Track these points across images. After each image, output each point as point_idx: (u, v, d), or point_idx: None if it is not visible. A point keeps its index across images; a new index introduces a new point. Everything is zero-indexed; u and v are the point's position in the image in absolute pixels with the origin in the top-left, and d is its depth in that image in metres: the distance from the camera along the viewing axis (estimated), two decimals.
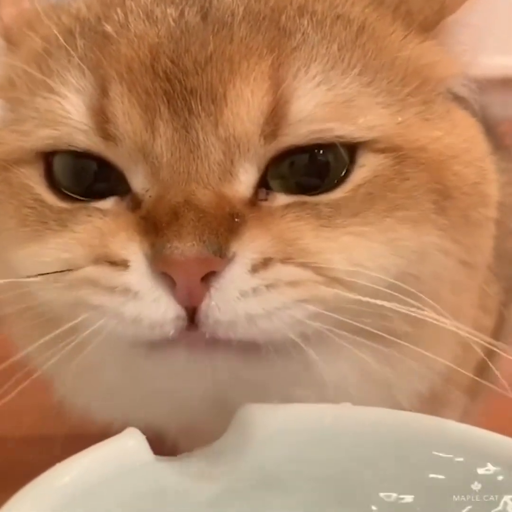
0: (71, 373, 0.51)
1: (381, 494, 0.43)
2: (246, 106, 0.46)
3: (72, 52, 0.49)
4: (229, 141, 0.46)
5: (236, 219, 0.45)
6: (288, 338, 0.46)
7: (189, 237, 0.43)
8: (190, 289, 0.44)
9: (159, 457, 0.42)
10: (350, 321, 0.46)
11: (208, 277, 0.44)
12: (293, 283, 0.45)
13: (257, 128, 0.46)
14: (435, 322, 0.48)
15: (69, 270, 0.47)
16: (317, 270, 0.46)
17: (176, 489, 0.41)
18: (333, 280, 0.46)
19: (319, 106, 0.46)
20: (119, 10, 0.50)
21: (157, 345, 0.46)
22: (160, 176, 0.46)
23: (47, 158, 0.50)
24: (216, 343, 0.46)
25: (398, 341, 0.49)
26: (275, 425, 0.44)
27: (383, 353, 0.50)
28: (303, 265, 0.45)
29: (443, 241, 0.50)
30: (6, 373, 0.50)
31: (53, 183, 0.50)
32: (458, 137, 0.51)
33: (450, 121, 0.51)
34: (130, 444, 0.42)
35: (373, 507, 0.43)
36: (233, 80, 0.46)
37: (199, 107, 0.46)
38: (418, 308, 0.47)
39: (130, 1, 0.51)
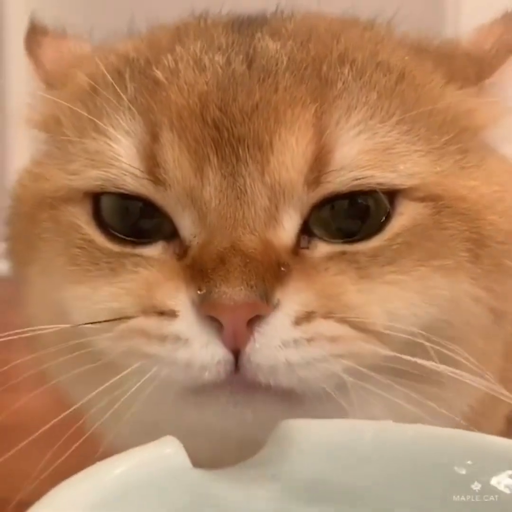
0: (107, 409, 0.51)
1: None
2: (290, 154, 0.48)
3: (121, 94, 0.51)
4: (275, 188, 0.48)
5: (282, 268, 0.47)
6: (323, 389, 0.47)
7: (236, 282, 0.45)
8: (236, 332, 0.45)
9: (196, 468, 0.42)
10: (383, 375, 0.47)
11: (253, 321, 0.45)
12: (332, 339, 0.46)
13: (301, 176, 0.48)
14: (459, 377, 0.48)
15: (119, 319, 0.48)
16: (355, 324, 0.47)
17: (213, 497, 0.41)
18: (370, 334, 0.47)
19: (360, 154, 0.48)
20: (169, 57, 0.52)
21: (203, 390, 0.47)
22: (207, 221, 0.48)
23: (95, 198, 0.51)
24: (256, 388, 0.47)
25: (429, 385, 0.49)
26: (314, 439, 0.43)
27: (414, 395, 0.49)
28: (343, 320, 0.47)
29: (475, 288, 0.51)
30: None
31: (101, 223, 0.51)
32: (493, 186, 0.52)
33: (486, 170, 0.53)
34: (168, 451, 0.41)
35: None
36: (278, 129, 0.48)
37: (247, 155, 0.48)
38: (449, 355, 0.48)
39: (179, 48, 0.53)
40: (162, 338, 0.46)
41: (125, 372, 0.47)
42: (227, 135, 0.48)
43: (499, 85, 0.55)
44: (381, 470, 0.43)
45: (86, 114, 0.52)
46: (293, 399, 0.47)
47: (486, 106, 0.54)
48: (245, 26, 0.55)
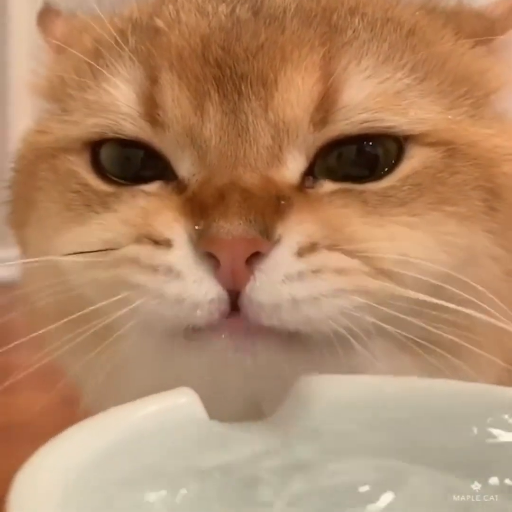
0: (102, 375, 0.49)
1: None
2: (296, 92, 0.46)
3: (123, 46, 0.50)
4: (278, 126, 0.46)
5: (282, 202, 0.45)
6: (333, 330, 0.44)
7: (235, 217, 0.43)
8: (234, 270, 0.43)
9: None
10: (395, 320, 0.45)
11: (252, 260, 0.43)
12: (339, 271, 0.44)
13: (307, 114, 0.46)
14: (490, 320, 0.46)
15: (111, 249, 0.46)
16: (364, 259, 0.45)
17: (233, 445, 0.38)
18: (380, 272, 0.45)
19: (370, 97, 0.47)
20: (171, 7, 0.52)
21: (196, 334, 0.45)
22: (207, 160, 0.46)
23: (94, 149, 0.50)
24: (258, 332, 0.44)
25: (443, 352, 0.47)
26: (334, 394, 0.41)
27: (425, 362, 0.48)
28: (350, 253, 0.45)
29: (492, 245, 0.49)
30: None
31: (99, 171, 0.50)
32: (508, 141, 0.51)
33: (500, 125, 0.52)
34: (183, 401, 0.39)
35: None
36: (284, 67, 0.47)
37: (250, 91, 0.46)
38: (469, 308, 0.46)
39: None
40: (153, 269, 0.44)
41: (108, 301, 0.44)
42: (230, 73, 0.47)
43: (510, 47, 0.54)
44: (404, 427, 0.41)
45: (88, 70, 0.51)
46: (299, 344, 0.45)
47: (498, 67, 0.53)
48: None
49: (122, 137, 0.48)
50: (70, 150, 0.51)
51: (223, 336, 0.44)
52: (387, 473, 0.38)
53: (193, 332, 0.45)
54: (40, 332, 0.50)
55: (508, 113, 0.54)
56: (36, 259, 0.49)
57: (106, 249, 0.46)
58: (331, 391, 0.41)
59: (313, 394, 0.41)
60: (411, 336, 0.46)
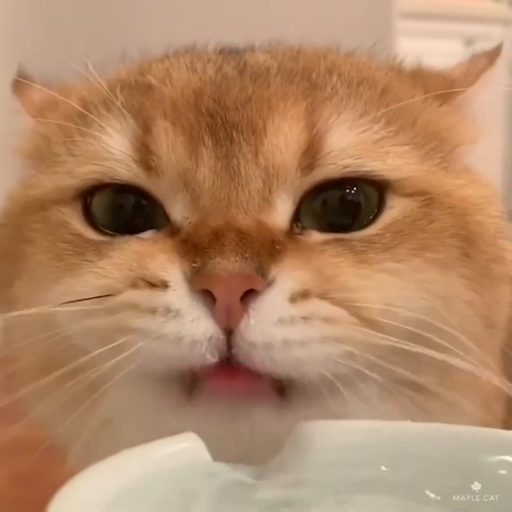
0: (89, 431, 0.49)
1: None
2: (284, 138, 0.49)
3: (113, 102, 0.52)
4: (268, 170, 0.48)
5: (276, 246, 0.46)
6: (322, 376, 0.45)
7: (232, 254, 0.44)
8: (229, 307, 0.44)
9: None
10: (378, 367, 0.46)
11: (246, 298, 0.44)
12: (328, 319, 0.45)
13: (295, 159, 0.49)
14: (465, 367, 0.48)
15: (107, 295, 0.47)
16: (352, 309, 0.46)
17: (234, 489, 0.39)
18: (367, 321, 0.47)
19: (351, 145, 0.50)
20: (160, 65, 0.54)
21: (191, 393, 0.46)
22: (200, 203, 0.48)
23: (85, 198, 0.51)
24: (252, 392, 0.45)
25: (429, 389, 0.49)
26: (332, 438, 0.42)
27: (414, 403, 0.50)
28: (339, 302, 0.46)
29: (467, 290, 0.51)
30: None
31: (91, 221, 0.50)
32: (478, 191, 0.54)
33: (469, 175, 0.55)
34: (187, 445, 0.39)
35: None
36: (272, 116, 0.49)
37: (241, 137, 0.48)
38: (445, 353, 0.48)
39: (170, 59, 0.55)
40: (152, 311, 0.44)
41: (106, 347, 0.45)
42: (221, 121, 0.49)
43: (473, 104, 0.58)
44: (401, 468, 0.42)
45: (75, 127, 0.52)
46: (292, 399, 0.46)
47: (462, 124, 0.56)
48: (234, 51, 0.58)
49: (118, 182, 0.50)
50: (61, 201, 0.51)
51: (219, 399, 0.45)
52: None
53: (189, 391, 0.46)
54: (23, 391, 0.50)
55: (473, 165, 0.57)
56: (32, 310, 0.48)
57: (103, 296, 0.46)
58: (328, 435, 0.42)
59: (312, 438, 0.42)
60: (394, 381, 0.48)
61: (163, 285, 0.45)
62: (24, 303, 0.52)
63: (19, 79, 0.63)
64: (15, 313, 0.49)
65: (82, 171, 0.50)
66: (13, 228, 0.54)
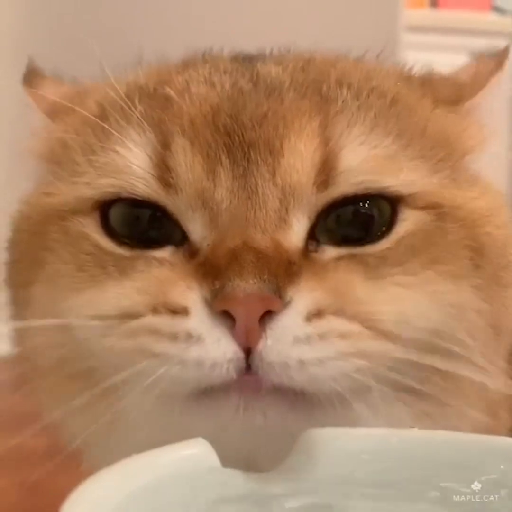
0: (102, 433, 0.50)
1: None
2: (300, 158, 0.49)
3: (132, 111, 0.52)
4: (285, 190, 0.49)
5: (293, 266, 0.47)
6: (335, 390, 0.46)
7: (250, 276, 0.45)
8: (248, 327, 0.45)
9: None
10: (391, 377, 0.47)
11: (264, 318, 0.45)
12: (343, 335, 0.46)
13: (310, 178, 0.49)
14: (475, 376, 0.49)
15: (128, 317, 0.48)
16: (366, 322, 0.47)
17: (244, 498, 0.39)
18: (380, 333, 0.48)
19: (365, 161, 0.50)
20: (180, 77, 0.55)
21: (210, 393, 0.46)
22: (218, 222, 0.48)
23: (103, 209, 0.51)
24: (267, 394, 0.46)
25: (436, 397, 0.50)
26: (340, 445, 0.42)
27: (420, 411, 0.50)
28: (353, 317, 0.47)
29: (478, 300, 0.52)
30: None
31: (109, 232, 0.51)
32: (488, 203, 0.55)
33: (478, 187, 0.56)
34: (197, 451, 0.40)
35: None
36: (288, 135, 0.50)
37: (258, 157, 0.49)
38: (456, 363, 0.49)
39: (189, 71, 0.55)
40: (173, 337, 0.46)
41: (126, 373, 0.46)
42: (238, 141, 0.49)
43: (481, 109, 0.58)
44: (408, 476, 0.42)
45: (92, 132, 0.53)
46: (304, 404, 0.47)
47: (472, 129, 0.57)
48: (247, 59, 0.58)
49: (136, 196, 0.50)
50: (80, 211, 0.52)
51: (234, 396, 0.46)
52: None
53: (204, 393, 0.46)
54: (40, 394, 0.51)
55: (480, 171, 0.58)
56: (55, 321, 0.49)
57: (124, 317, 0.47)
58: (336, 442, 0.42)
59: (319, 445, 0.42)
60: (402, 390, 0.49)
61: (184, 311, 0.46)
62: (42, 309, 0.52)
63: (30, 72, 0.63)
64: (38, 323, 0.50)
65: (101, 183, 0.51)
66: (31, 234, 0.55)
